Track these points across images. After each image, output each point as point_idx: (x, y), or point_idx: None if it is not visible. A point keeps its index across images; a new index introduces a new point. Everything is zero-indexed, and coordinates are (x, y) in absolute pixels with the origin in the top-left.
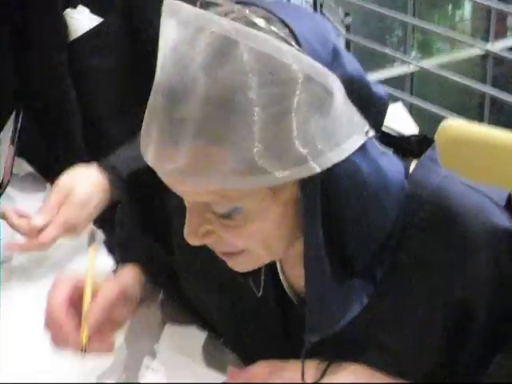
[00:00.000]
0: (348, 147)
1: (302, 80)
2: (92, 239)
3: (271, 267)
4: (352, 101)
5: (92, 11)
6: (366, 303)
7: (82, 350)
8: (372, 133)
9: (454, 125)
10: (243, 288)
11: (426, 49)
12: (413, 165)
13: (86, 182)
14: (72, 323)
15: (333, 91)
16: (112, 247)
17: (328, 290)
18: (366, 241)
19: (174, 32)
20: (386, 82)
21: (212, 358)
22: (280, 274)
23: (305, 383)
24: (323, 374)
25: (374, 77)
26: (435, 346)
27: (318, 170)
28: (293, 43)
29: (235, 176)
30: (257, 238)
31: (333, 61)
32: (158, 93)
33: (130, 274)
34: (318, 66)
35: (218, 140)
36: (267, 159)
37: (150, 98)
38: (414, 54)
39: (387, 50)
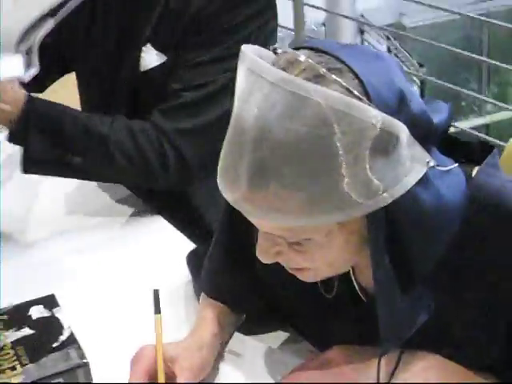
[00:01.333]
0: (410, 180)
1: (371, 131)
2: (157, 306)
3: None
4: (415, 136)
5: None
6: (438, 301)
7: None
8: (433, 162)
9: None
10: (316, 292)
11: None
12: (475, 171)
13: None
14: None
15: (398, 134)
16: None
17: (396, 302)
18: (426, 257)
19: (245, 78)
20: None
21: (295, 350)
22: (352, 276)
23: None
24: (398, 362)
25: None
26: (503, 339)
27: (386, 202)
28: (360, 95)
29: (304, 215)
30: (322, 261)
31: (399, 104)
32: (235, 134)
33: (212, 331)
34: (385, 116)
35: (291, 183)
36: (333, 201)
37: (229, 134)
38: (489, 107)
39: (463, 103)
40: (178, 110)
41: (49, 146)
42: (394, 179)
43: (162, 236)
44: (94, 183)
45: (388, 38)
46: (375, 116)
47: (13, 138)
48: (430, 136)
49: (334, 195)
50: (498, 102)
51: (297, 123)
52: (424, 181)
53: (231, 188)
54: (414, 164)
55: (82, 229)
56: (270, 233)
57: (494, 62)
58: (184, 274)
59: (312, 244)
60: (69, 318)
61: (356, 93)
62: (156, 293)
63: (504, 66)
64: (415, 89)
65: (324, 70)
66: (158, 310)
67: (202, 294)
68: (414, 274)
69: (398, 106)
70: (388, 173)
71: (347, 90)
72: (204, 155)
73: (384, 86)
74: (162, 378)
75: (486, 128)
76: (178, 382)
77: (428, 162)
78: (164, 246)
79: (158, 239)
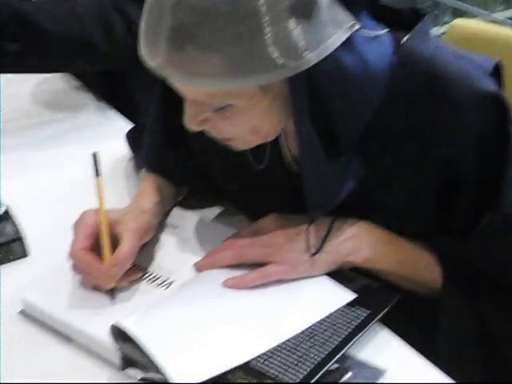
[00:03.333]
0: (332, 42)
1: None
2: (96, 169)
3: (277, 142)
4: None
5: None
6: (367, 170)
7: (111, 298)
8: (357, 26)
9: (465, 23)
10: (249, 163)
11: (459, 13)
12: (406, 37)
13: None
14: (99, 266)
15: None
16: (133, 144)
17: (321, 167)
18: (350, 122)
19: None
20: None
21: (231, 222)
22: (284, 147)
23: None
24: (329, 229)
25: None
26: (429, 204)
27: (308, 64)
28: None
29: (225, 78)
30: (247, 127)
31: None
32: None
33: (153, 199)
34: None
35: (207, 46)
36: (254, 62)
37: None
38: (446, 18)
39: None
40: None
41: None
42: (315, 41)
43: (102, 118)
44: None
45: None
46: None
47: None
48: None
49: (254, 57)
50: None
51: None
52: (348, 45)
53: (152, 53)
54: (336, 27)
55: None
56: (196, 100)
57: None
58: (124, 153)
59: (236, 110)
60: (5, 194)
61: None
62: (95, 156)
63: None
64: None
65: None
66: (98, 173)
67: (143, 169)
68: (340, 140)
69: None
70: (309, 35)
71: None
72: None
73: None
74: (105, 239)
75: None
76: (124, 241)
77: (352, 26)
78: (104, 126)
79: (98, 121)
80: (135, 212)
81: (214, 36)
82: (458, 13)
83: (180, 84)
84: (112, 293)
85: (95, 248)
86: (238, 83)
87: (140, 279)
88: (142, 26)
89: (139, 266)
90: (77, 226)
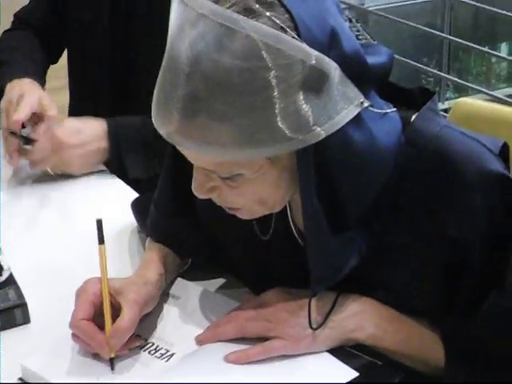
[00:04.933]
0: (342, 118)
1: (300, 66)
2: (100, 236)
3: (283, 213)
4: (349, 75)
5: None
6: (369, 247)
7: (111, 365)
8: (367, 103)
9: (468, 102)
10: (253, 234)
11: (461, 90)
12: (414, 116)
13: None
14: (99, 336)
15: (327, 72)
16: (139, 214)
17: (326, 242)
18: (357, 198)
19: (178, 11)
20: None
21: (234, 294)
22: (290, 219)
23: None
24: (333, 304)
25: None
26: (435, 283)
27: (317, 138)
28: (289, 30)
29: (234, 148)
30: (254, 198)
31: (330, 41)
32: (168, 67)
33: (157, 270)
34: (313, 52)
35: (218, 116)
36: (263, 134)
37: (162, 69)
38: (448, 94)
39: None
40: None
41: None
42: (325, 116)
43: (107, 187)
44: None
45: (350, 21)
46: (304, 52)
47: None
48: (364, 77)
49: (263, 129)
50: (461, 81)
51: (225, 56)
52: (357, 121)
53: (164, 121)
54: (346, 103)
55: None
56: (204, 168)
57: (456, 39)
58: (128, 221)
59: (244, 180)
60: (8, 260)
61: (285, 27)
62: (99, 222)
63: (466, 43)
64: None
65: (255, 3)
66: (101, 240)
67: (148, 238)
68: (345, 216)
69: (329, 44)
70: (319, 109)
71: (277, 24)
72: None
73: (315, 22)
74: (107, 307)
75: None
76: (124, 313)
77: (362, 103)
78: (109, 195)
79: (103, 190)
80: (138, 283)
81: (225, 106)
82: (460, 89)
83: (189, 152)
84: (112, 362)
85: (97, 316)
86: (246, 154)
87: (140, 349)
88: (156, 94)
89: (140, 336)
90: (79, 294)
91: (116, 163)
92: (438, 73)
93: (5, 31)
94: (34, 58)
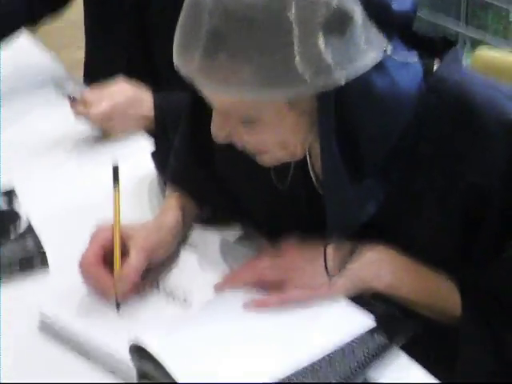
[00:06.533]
0: (364, 63)
1: (324, 7)
2: (116, 179)
3: (302, 162)
4: (372, 20)
5: None
6: (388, 196)
7: (116, 308)
8: (390, 49)
9: (488, 52)
10: (272, 183)
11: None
12: (436, 64)
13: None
14: (105, 279)
15: (350, 14)
16: (160, 163)
17: (344, 190)
18: (377, 146)
19: None
20: None
21: (252, 244)
22: (309, 166)
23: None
24: (351, 253)
25: None
26: (453, 232)
27: (338, 83)
28: None
29: (253, 88)
30: (273, 142)
31: None
32: (190, 5)
33: (174, 217)
34: None
35: (239, 54)
36: (282, 75)
37: (185, 7)
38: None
39: None
40: None
41: None
42: (347, 60)
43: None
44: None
45: None
46: None
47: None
48: (388, 23)
49: (283, 70)
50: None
51: None
52: (379, 67)
53: (185, 60)
54: (369, 48)
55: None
56: (224, 110)
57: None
58: (149, 171)
59: (262, 123)
60: (28, 210)
61: None
62: (115, 169)
63: None
64: None
65: None
66: (116, 185)
67: (168, 186)
68: (364, 164)
69: None
70: (341, 53)
71: None
72: None
73: None
74: (117, 250)
75: None
76: (130, 258)
77: (385, 49)
78: (127, 146)
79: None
80: (150, 229)
81: (246, 44)
82: (477, 46)
83: (209, 92)
84: (117, 305)
85: (107, 260)
86: (265, 94)
87: (157, 295)
88: (177, 33)
89: (155, 282)
90: (91, 238)
91: (161, 137)
92: (456, 28)
93: None
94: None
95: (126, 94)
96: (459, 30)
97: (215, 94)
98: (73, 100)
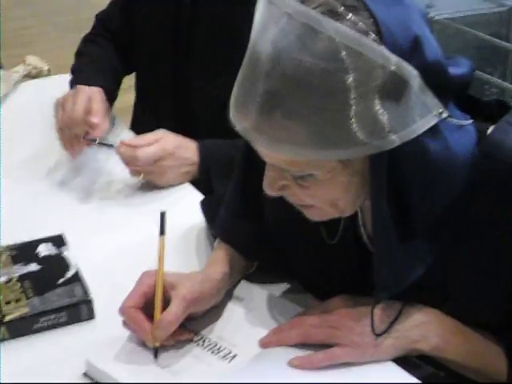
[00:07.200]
0: (419, 127)
1: (381, 71)
2: (162, 225)
3: (352, 218)
4: (429, 84)
5: None
6: (437, 257)
7: (154, 356)
8: (445, 114)
9: None
10: (319, 238)
11: None
12: (490, 128)
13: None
14: (143, 325)
15: (407, 79)
16: (208, 213)
17: (393, 249)
18: (427, 208)
19: (264, 10)
20: None
21: (298, 299)
22: (360, 225)
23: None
24: (399, 313)
25: None
26: (501, 297)
27: (392, 145)
28: (372, 34)
29: (307, 148)
30: (324, 199)
31: (413, 49)
32: (249, 65)
33: (221, 270)
34: (394, 58)
35: (293, 114)
36: (336, 136)
37: (243, 65)
38: None
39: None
40: None
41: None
42: (401, 123)
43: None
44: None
45: None
46: (386, 57)
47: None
48: (444, 87)
49: (338, 131)
50: None
51: (306, 55)
52: (434, 131)
53: (241, 117)
54: (425, 112)
55: (92, 172)
56: (277, 166)
57: None
58: (195, 221)
59: (315, 181)
60: (75, 256)
61: (369, 32)
62: (163, 215)
63: None
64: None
65: (340, 5)
66: (162, 232)
67: (217, 238)
68: (413, 225)
69: (411, 51)
70: (396, 116)
71: (360, 27)
72: None
73: (399, 28)
74: (158, 297)
75: None
76: (171, 306)
77: (441, 113)
78: (175, 196)
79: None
80: (194, 279)
81: (301, 105)
82: None
83: (262, 149)
84: (155, 351)
85: (148, 308)
86: (318, 154)
87: (201, 346)
88: (234, 90)
89: (198, 332)
90: (136, 283)
91: (204, 185)
92: (504, 83)
93: (87, 34)
94: (109, 68)
95: (172, 140)
96: (507, 84)
97: (269, 151)
98: (110, 147)
